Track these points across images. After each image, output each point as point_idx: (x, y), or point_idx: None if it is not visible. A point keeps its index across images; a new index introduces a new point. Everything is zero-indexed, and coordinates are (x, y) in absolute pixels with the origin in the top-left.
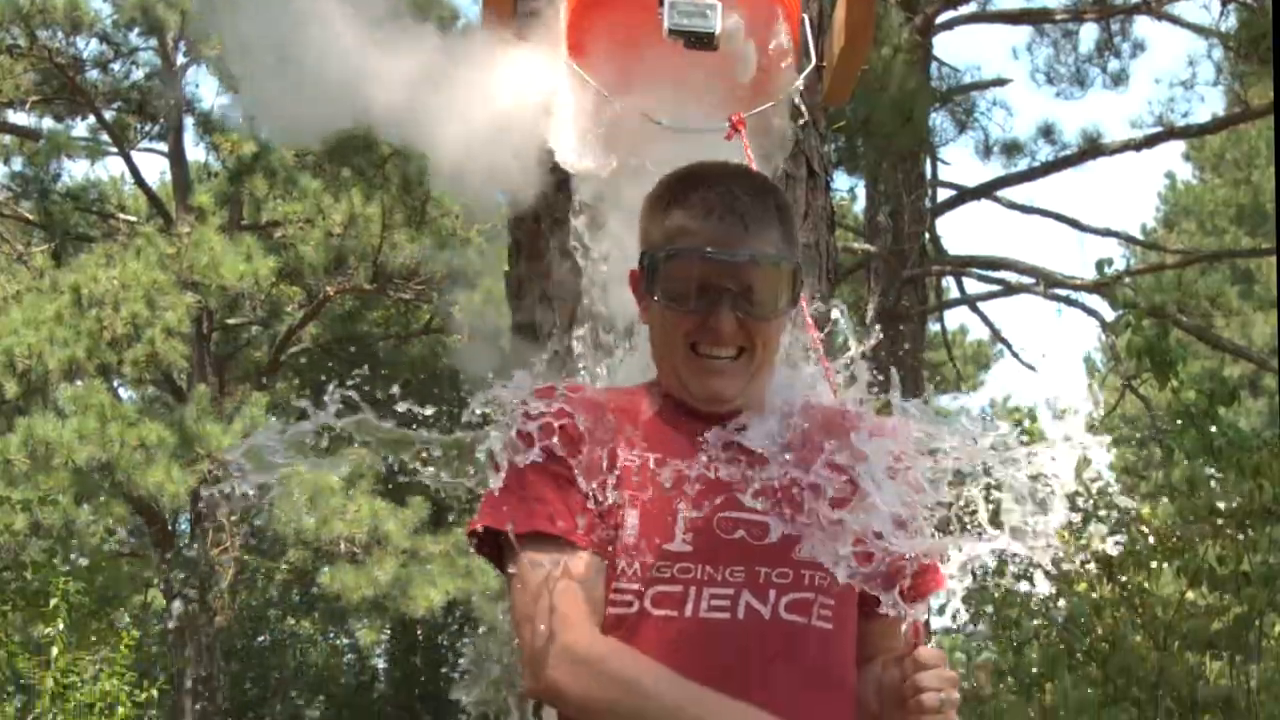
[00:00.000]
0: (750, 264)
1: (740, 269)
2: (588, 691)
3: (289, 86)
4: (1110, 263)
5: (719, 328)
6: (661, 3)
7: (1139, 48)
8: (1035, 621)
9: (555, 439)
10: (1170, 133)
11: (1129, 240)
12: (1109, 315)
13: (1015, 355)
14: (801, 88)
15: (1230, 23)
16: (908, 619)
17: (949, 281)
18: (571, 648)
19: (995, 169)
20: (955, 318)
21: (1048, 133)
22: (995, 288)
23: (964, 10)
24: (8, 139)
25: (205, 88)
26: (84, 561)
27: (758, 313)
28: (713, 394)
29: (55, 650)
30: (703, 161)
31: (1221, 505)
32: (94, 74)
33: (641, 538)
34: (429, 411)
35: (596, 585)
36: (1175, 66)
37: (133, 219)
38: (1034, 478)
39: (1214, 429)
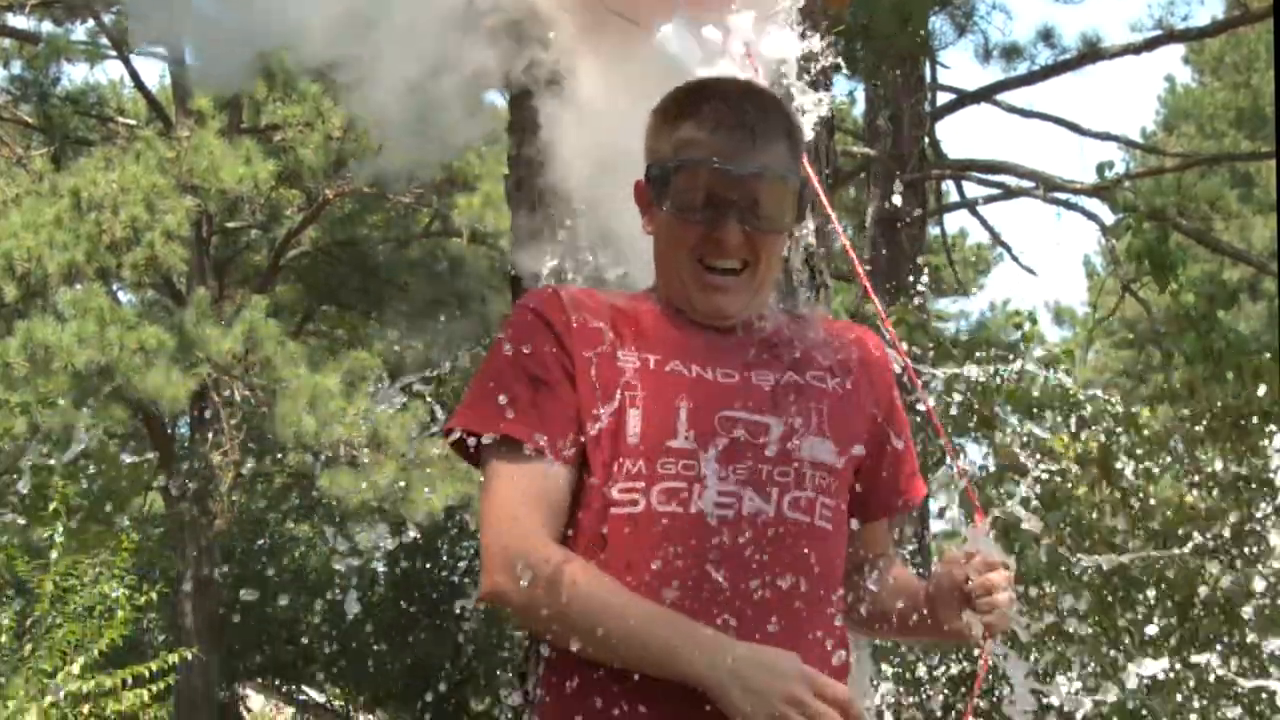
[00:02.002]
0: (757, 177)
1: (747, 182)
2: (527, 597)
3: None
4: (1110, 166)
5: (724, 239)
6: None
7: None
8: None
9: (546, 340)
10: (1170, 36)
11: (1128, 144)
12: (1109, 219)
13: (1015, 259)
14: None
15: None
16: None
17: (948, 185)
18: (520, 554)
19: (995, 73)
20: (955, 221)
21: (1047, 36)
22: (995, 191)
23: None
24: (7, 42)
25: None
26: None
27: (764, 225)
28: (715, 309)
29: (55, 554)
30: (710, 76)
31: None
32: None
33: (644, 436)
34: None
35: (562, 495)
36: None
37: (132, 123)
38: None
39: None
